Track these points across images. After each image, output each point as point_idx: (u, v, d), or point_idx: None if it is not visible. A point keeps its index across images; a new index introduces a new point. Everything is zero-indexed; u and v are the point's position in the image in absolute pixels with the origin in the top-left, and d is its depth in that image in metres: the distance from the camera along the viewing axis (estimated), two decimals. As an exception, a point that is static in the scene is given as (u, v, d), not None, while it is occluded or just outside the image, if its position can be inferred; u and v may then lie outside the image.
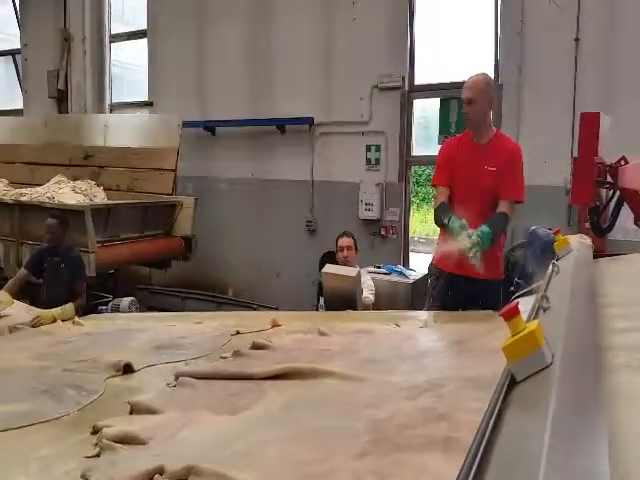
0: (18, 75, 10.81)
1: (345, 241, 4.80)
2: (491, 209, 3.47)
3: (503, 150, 3.49)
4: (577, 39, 5.80)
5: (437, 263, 3.58)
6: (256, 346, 2.56)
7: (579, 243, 2.45)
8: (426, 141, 6.91)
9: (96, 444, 1.71)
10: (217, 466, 1.40)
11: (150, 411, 1.92)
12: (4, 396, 2.26)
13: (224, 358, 2.51)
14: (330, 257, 5.19)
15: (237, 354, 2.48)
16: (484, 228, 3.16)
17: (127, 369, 2.50)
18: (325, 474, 1.37)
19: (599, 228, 2.93)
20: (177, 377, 2.25)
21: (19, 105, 10.76)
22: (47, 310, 4.02)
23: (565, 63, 5.83)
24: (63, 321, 3.85)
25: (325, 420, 1.72)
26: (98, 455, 1.66)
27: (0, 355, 2.95)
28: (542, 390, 0.87)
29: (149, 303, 7.85)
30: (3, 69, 11.45)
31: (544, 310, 1.35)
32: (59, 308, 4.07)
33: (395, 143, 6.89)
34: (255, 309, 7.36)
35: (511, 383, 0.94)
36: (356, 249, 4.83)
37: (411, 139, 6.93)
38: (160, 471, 1.44)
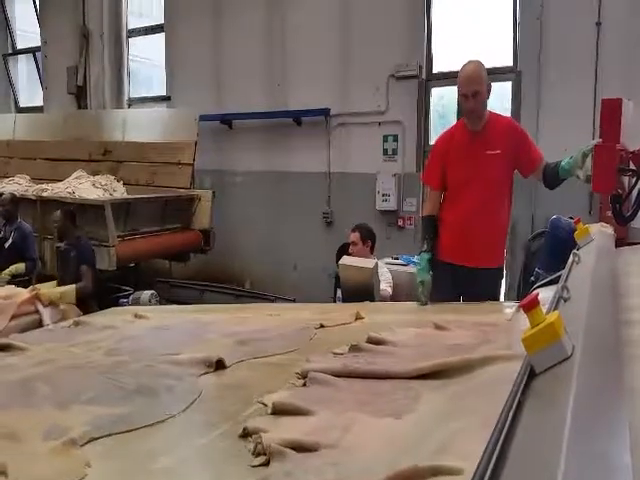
0: (39, 72, 10.89)
1: (351, 236, 4.96)
2: (496, 196, 3.43)
3: (500, 130, 3.43)
4: (599, 23, 5.69)
5: (437, 255, 3.55)
6: (373, 341, 2.40)
7: (600, 232, 2.41)
8: (443, 130, 6.85)
9: (256, 451, 1.56)
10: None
11: (298, 412, 1.77)
12: (95, 397, 2.12)
13: (338, 354, 2.36)
14: (347, 249, 5.20)
15: (356, 349, 2.33)
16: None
17: (218, 365, 2.37)
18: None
19: (621, 216, 2.88)
20: (304, 374, 2.10)
21: (40, 102, 10.86)
22: (48, 290, 4.08)
23: (586, 48, 5.72)
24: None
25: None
26: (266, 464, 1.49)
27: (72, 350, 2.83)
28: (562, 382, 0.86)
29: (169, 296, 7.93)
30: (24, 67, 11.55)
31: (565, 300, 1.33)
32: (58, 289, 4.12)
33: (412, 133, 6.84)
34: (272, 301, 7.39)
35: (531, 375, 0.93)
36: (366, 242, 4.87)
37: (429, 128, 6.88)
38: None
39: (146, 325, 3.32)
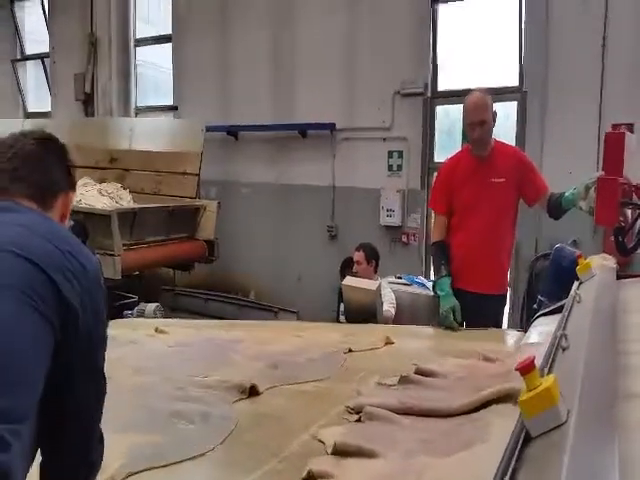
0: (47, 78, 10.96)
1: (355, 255, 5.03)
2: (501, 223, 3.49)
3: (506, 159, 3.50)
4: (604, 45, 5.73)
5: None
6: (422, 373, 2.35)
7: (602, 266, 2.45)
8: (448, 147, 6.89)
9: None
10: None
11: (361, 453, 1.70)
12: (128, 423, 2.05)
13: (386, 385, 2.32)
14: (350, 264, 5.25)
15: (406, 381, 2.28)
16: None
17: (251, 391, 2.34)
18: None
19: (624, 248, 2.93)
20: (358, 409, 2.05)
21: (47, 108, 10.93)
22: None
23: (592, 68, 5.75)
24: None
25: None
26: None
27: None
28: (556, 449, 0.89)
29: (174, 304, 7.99)
30: (33, 72, 11.62)
31: (563, 350, 1.37)
32: None
33: (417, 149, 6.89)
34: (276, 313, 7.45)
35: (527, 438, 0.96)
36: (370, 261, 4.92)
37: (433, 145, 6.92)
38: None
39: (168, 341, 3.29)
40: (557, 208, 3.38)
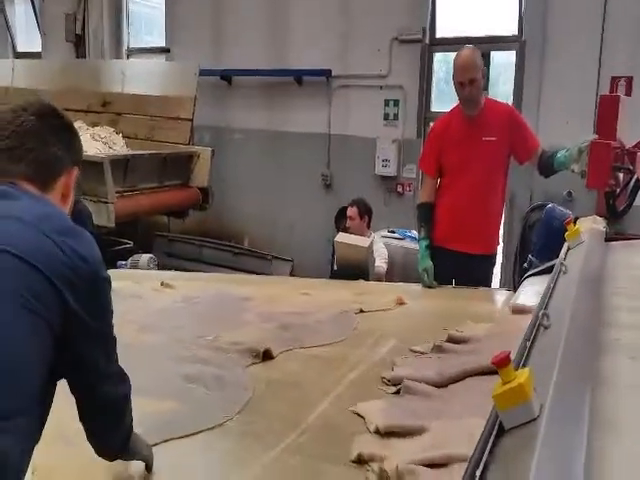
0: (36, 17, 10.67)
1: (348, 211, 5.02)
2: (491, 183, 3.48)
3: (497, 116, 3.47)
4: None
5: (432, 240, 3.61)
6: (453, 339, 2.32)
7: (591, 230, 2.45)
8: (446, 96, 6.79)
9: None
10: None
11: (411, 432, 1.67)
12: (139, 386, 1.79)
13: (419, 353, 2.29)
14: (345, 214, 5.24)
15: (439, 350, 2.24)
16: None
17: (264, 355, 2.32)
18: None
19: (614, 212, 2.93)
20: (393, 381, 2.03)
21: (38, 48, 10.67)
22: None
23: (593, 19, 5.63)
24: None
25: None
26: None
27: None
28: (527, 444, 0.91)
29: (168, 251, 8.01)
30: (22, 10, 11.30)
31: (545, 328, 1.38)
32: None
33: (414, 98, 6.79)
34: (270, 260, 7.47)
35: (500, 429, 0.98)
36: (363, 217, 4.92)
37: (430, 94, 6.82)
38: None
39: (175, 297, 3.23)
40: (548, 168, 3.37)
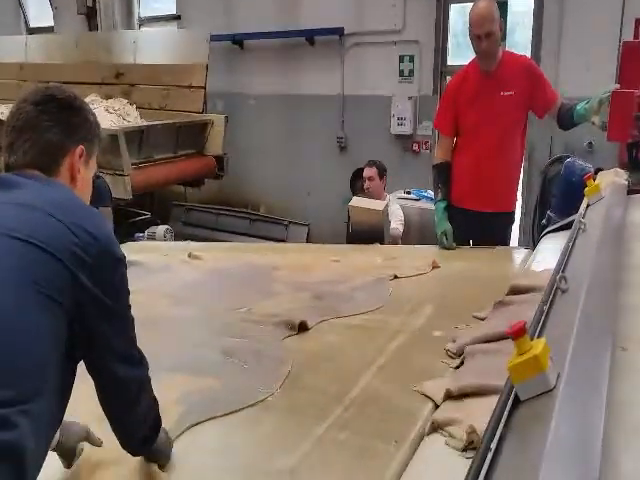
0: (46, -10, 10.56)
1: (367, 171, 4.86)
2: (509, 139, 3.36)
3: (515, 70, 3.31)
4: None
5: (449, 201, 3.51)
6: (517, 290, 2.14)
7: (612, 183, 2.32)
8: (463, 50, 6.57)
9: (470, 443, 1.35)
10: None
11: (480, 392, 1.56)
12: (178, 363, 1.94)
13: (481, 319, 2.14)
14: (361, 174, 5.13)
15: (502, 304, 2.08)
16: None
17: (300, 326, 2.25)
18: None
19: (637, 164, 2.78)
20: (458, 352, 1.90)
21: (50, 22, 10.60)
22: None
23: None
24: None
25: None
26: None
27: (136, 298, 2.54)
28: (543, 415, 0.87)
29: (185, 220, 8.04)
30: (31, -16, 11.21)
31: (562, 292, 1.30)
32: None
33: (430, 53, 6.58)
34: (287, 225, 7.44)
35: (516, 401, 0.95)
36: (382, 177, 4.80)
37: (447, 48, 6.60)
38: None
39: (204, 268, 3.18)
40: (568, 120, 3.23)
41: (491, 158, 3.32)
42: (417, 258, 3.13)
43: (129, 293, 1.26)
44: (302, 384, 1.86)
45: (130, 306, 1.27)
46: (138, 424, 1.34)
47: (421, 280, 2.81)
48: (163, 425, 1.42)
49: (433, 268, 2.93)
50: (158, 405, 1.37)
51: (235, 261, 3.32)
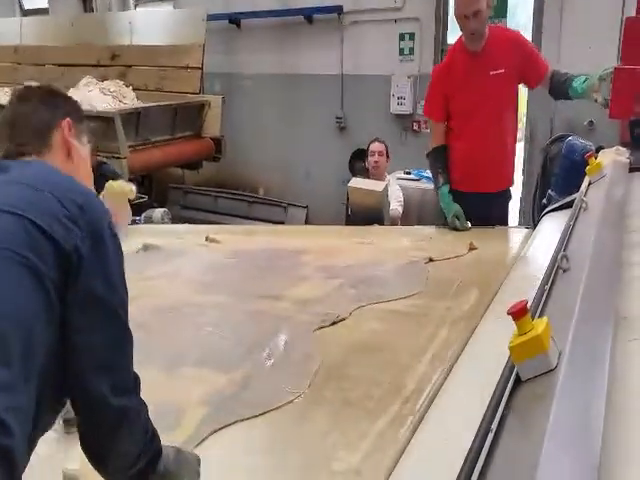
0: (40, -29, 10.44)
1: (376, 146, 4.74)
2: (502, 120, 3.29)
3: (502, 46, 3.21)
4: None
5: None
6: None
7: (614, 162, 2.28)
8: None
9: None
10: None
11: None
12: (202, 357, 1.84)
13: None
14: (360, 155, 5.07)
15: None
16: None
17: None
18: None
19: (639, 142, 2.73)
20: None
21: (44, 3, 10.48)
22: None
23: None
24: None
25: None
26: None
27: (158, 284, 2.41)
28: (544, 395, 0.87)
29: (184, 203, 7.99)
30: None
31: (564, 271, 1.27)
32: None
33: (430, 30, 6.47)
34: (285, 208, 7.40)
35: (517, 381, 0.94)
36: (387, 157, 4.73)
37: (447, 25, 6.49)
38: None
39: (224, 252, 3.03)
40: (562, 92, 3.16)
41: (486, 139, 3.25)
42: (450, 242, 2.99)
43: (126, 291, 1.11)
44: (349, 375, 1.72)
45: (125, 307, 1.11)
46: (122, 463, 1.13)
47: (458, 263, 2.65)
48: (185, 428, 1.30)
49: (470, 250, 2.80)
50: (155, 435, 1.19)
51: (255, 244, 3.19)
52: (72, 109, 1.37)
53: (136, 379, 1.13)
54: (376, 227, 3.62)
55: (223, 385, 1.68)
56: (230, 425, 1.51)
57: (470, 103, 3.25)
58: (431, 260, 2.66)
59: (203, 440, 1.45)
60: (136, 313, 1.98)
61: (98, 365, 1.05)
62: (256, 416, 1.54)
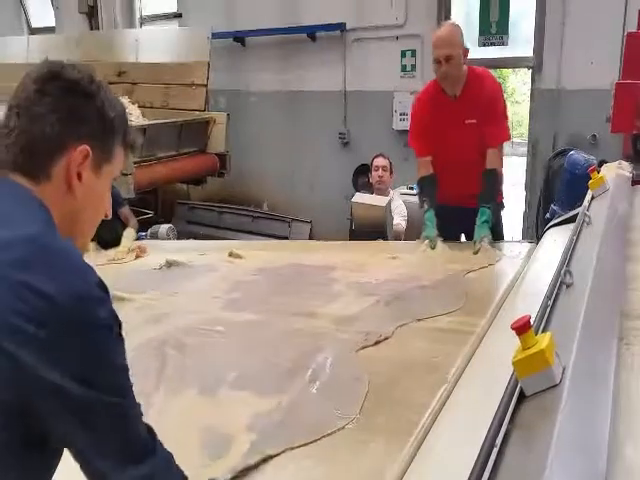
0: (47, -10, 10.55)
1: (380, 161, 4.75)
2: (474, 154, 3.29)
3: (479, 96, 3.23)
4: None
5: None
6: None
7: (616, 176, 2.29)
8: (465, 42, 6.52)
9: None
10: None
11: None
12: (242, 377, 1.74)
13: None
14: (363, 170, 5.09)
15: None
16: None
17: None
18: None
19: (642, 156, 2.75)
20: None
21: (51, 22, 10.59)
22: (120, 246, 3.93)
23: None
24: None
25: None
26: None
27: (184, 301, 2.38)
28: (548, 411, 0.87)
29: (189, 218, 8.02)
30: (33, -16, 11.19)
31: (567, 286, 1.28)
32: (123, 239, 3.99)
33: (431, 47, 6.52)
34: (289, 223, 7.42)
35: (521, 396, 0.94)
36: (391, 172, 4.75)
37: (449, 41, 6.54)
38: None
39: (249, 268, 2.96)
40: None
41: (457, 174, 3.27)
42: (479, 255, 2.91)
43: (125, 369, 0.89)
44: (399, 397, 1.62)
45: (127, 387, 0.90)
46: None
47: (494, 272, 2.58)
48: (232, 457, 1.16)
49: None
50: None
51: (281, 260, 3.11)
52: (99, 128, 1.01)
53: (150, 431, 0.94)
54: (404, 242, 3.61)
55: (268, 409, 1.57)
56: (280, 454, 1.41)
57: (445, 145, 3.27)
58: (468, 272, 2.56)
59: (249, 470, 1.35)
60: (167, 331, 1.99)
61: (97, 452, 0.87)
62: (307, 444, 1.43)
